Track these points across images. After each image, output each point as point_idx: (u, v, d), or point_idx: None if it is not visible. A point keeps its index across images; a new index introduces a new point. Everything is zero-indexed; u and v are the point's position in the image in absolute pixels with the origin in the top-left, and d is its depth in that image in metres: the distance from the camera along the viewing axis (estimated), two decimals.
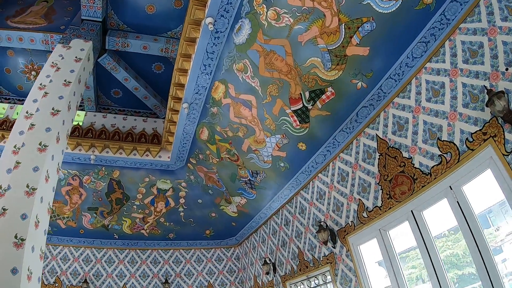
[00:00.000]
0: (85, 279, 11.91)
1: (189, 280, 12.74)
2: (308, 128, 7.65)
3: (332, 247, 7.43)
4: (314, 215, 8.30)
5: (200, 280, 12.81)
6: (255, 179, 9.71)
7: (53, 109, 7.36)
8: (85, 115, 12.41)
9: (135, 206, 12.18)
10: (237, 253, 13.57)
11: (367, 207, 6.59)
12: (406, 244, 6.52)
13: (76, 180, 11.76)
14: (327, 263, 7.64)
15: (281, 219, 9.94)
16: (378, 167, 6.44)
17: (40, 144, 6.63)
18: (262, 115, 8.20)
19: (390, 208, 6.03)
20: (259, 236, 11.57)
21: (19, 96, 12.25)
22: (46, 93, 7.68)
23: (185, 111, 9.05)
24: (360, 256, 6.85)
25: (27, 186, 5.97)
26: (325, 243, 7.44)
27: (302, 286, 8.87)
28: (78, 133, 11.48)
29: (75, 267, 12.26)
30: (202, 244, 13.33)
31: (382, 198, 6.24)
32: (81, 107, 13.12)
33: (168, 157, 11.21)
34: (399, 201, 5.86)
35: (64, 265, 12.22)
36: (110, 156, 11.16)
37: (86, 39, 9.44)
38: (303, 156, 8.21)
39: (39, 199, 6.07)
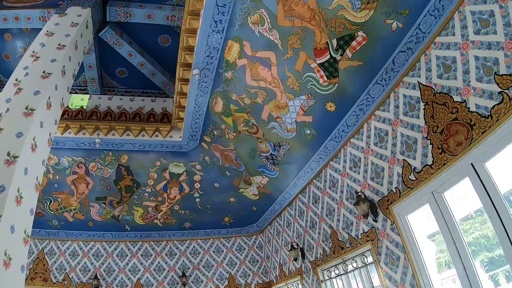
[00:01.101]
0: (95, 275, 11.18)
1: (209, 272, 11.87)
2: (337, 84, 6.67)
3: (374, 220, 6.42)
4: (348, 187, 7.30)
5: (221, 271, 11.92)
6: (278, 153, 8.76)
7: (43, 72, 6.63)
8: (89, 98, 11.64)
9: (146, 194, 11.37)
10: (259, 241, 12.63)
11: (415, 168, 5.58)
12: (466, 210, 5.53)
13: (81, 168, 11.01)
14: (368, 241, 6.63)
15: (309, 197, 8.97)
16: (424, 119, 5.44)
17: (26, 108, 5.80)
18: (283, 74, 7.25)
19: (444, 164, 5.01)
20: (284, 220, 10.61)
21: None
22: (37, 57, 6.92)
23: (196, 78, 8.14)
24: (409, 227, 5.83)
25: (8, 154, 5.12)
26: (365, 216, 6.43)
27: (337, 271, 7.88)
28: (81, 117, 10.68)
29: (85, 263, 11.61)
30: (221, 233, 12.45)
31: (433, 154, 5.23)
32: (84, 90, 12.43)
33: (180, 137, 10.33)
34: (454, 155, 4.84)
35: (73, 261, 11.58)
36: (117, 138, 10.37)
37: (84, 6, 8.68)
38: (332, 119, 7.23)
39: (21, 170, 5.21)
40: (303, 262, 9.21)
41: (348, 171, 7.32)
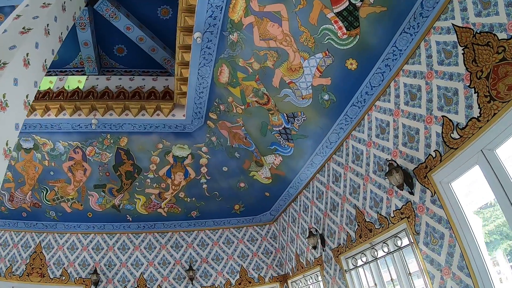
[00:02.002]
0: (95, 270, 10.46)
1: (218, 265, 11.01)
2: (358, 36, 5.76)
3: (409, 193, 5.46)
4: (376, 158, 6.36)
5: (231, 264, 11.06)
6: (292, 125, 7.86)
7: (23, 28, 5.87)
8: (86, 79, 10.84)
9: (148, 180, 10.57)
10: (273, 230, 11.73)
11: (458, 124, 4.64)
12: None
13: (78, 153, 10.29)
14: (402, 219, 5.67)
15: (328, 175, 8.05)
16: (464, 65, 4.51)
17: None
18: (295, 29, 6.35)
19: (495, 114, 4.07)
20: (300, 204, 9.70)
21: None
22: (18, 15, 6.17)
23: (198, 42, 7.27)
24: (454, 197, 4.85)
25: None
26: (400, 187, 5.47)
27: (364, 258, 6.93)
28: (77, 97, 9.92)
29: (84, 256, 10.88)
30: (231, 223, 11.58)
31: (479, 105, 4.29)
32: (81, 71, 11.71)
33: (183, 115, 9.48)
34: (506, 101, 3.92)
35: (72, 255, 10.86)
36: (115, 118, 9.58)
37: None
38: (353, 80, 6.30)
39: None
40: (323, 251, 8.29)
41: (374, 140, 6.39)
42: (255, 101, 8.03)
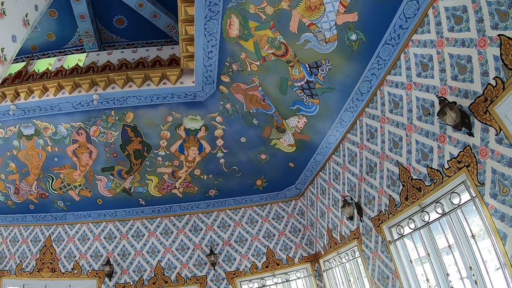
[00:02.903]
0: (108, 261, 9.88)
1: (242, 247, 10.27)
2: None
3: (468, 134, 4.50)
4: (419, 100, 5.40)
5: (257, 246, 10.28)
6: (315, 77, 6.96)
7: None
8: (86, 56, 10.20)
9: (160, 158, 9.88)
10: (300, 206, 10.88)
11: None
12: None
13: (82, 134, 9.69)
14: (460, 168, 4.71)
15: (361, 133, 7.13)
16: None
17: None
18: None
19: None
20: (329, 172, 8.80)
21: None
22: None
23: None
24: None
25: None
26: (458, 127, 4.49)
27: (412, 224, 5.98)
28: (76, 74, 9.23)
29: (96, 247, 10.36)
30: (254, 200, 10.77)
31: None
32: (81, 50, 11.02)
33: (193, 82, 8.67)
34: None
35: (83, 246, 10.36)
36: (118, 92, 8.89)
37: None
38: (384, 12, 5.37)
39: None
40: (361, 221, 7.41)
41: (415, 80, 5.44)
42: (272, 53, 7.14)
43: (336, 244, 8.74)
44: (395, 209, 6.21)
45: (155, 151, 9.75)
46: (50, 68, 9.71)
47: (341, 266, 8.96)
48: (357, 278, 8.20)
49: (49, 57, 10.93)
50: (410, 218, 5.97)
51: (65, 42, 11.11)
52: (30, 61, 10.28)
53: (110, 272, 9.76)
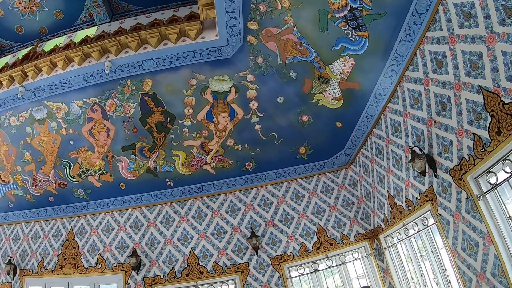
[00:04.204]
0: (134, 251, 9.14)
1: (288, 227, 9.21)
2: None
3: None
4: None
5: (305, 224, 9.17)
6: (361, 2, 5.79)
7: None
8: (97, 28, 9.46)
9: (186, 129, 9.03)
10: (351, 176, 9.66)
11: None
12: None
13: (96, 110, 9.00)
14: None
15: (423, 65, 5.89)
16: None
17: None
18: None
19: None
20: (386, 126, 7.53)
21: (21, 41, 10.14)
22: None
23: None
24: None
25: None
26: None
27: (510, 166, 4.72)
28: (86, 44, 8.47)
29: (122, 237, 9.70)
30: (298, 172, 9.65)
31: None
32: (92, 24, 10.28)
33: (216, 35, 7.68)
34: None
35: (107, 237, 9.76)
36: (132, 56, 8.07)
37: None
38: None
39: None
40: (435, 177, 6.15)
41: None
42: None
43: (401, 213, 7.52)
44: (482, 150, 4.96)
45: (180, 122, 8.91)
46: (58, 45, 9.08)
47: (408, 240, 7.74)
48: (432, 251, 6.95)
49: (58, 36, 10.26)
50: (505, 159, 4.71)
51: (74, 19, 10.43)
52: (40, 44, 9.66)
53: (136, 264, 9.02)
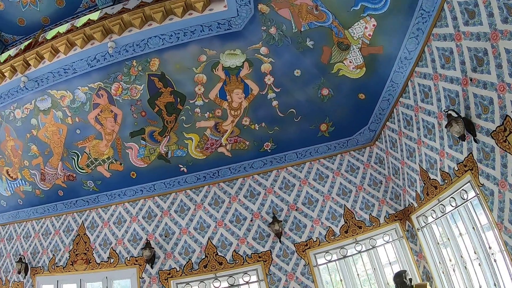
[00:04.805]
0: (147, 243, 8.90)
1: (313, 210, 8.76)
2: None
3: None
4: None
5: (331, 207, 8.73)
6: None
7: None
8: (100, 12, 9.12)
9: (198, 109, 8.66)
10: (377, 153, 9.16)
11: None
12: None
13: (102, 96, 8.76)
14: None
15: (453, 19, 5.40)
16: None
17: None
18: None
19: None
20: (414, 93, 7.00)
21: (24, 34, 9.84)
22: None
23: None
24: None
25: None
26: None
27: None
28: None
29: (134, 229, 9.48)
30: (320, 151, 9.17)
31: None
32: (94, 8, 10.00)
33: (224, 6, 7.26)
34: None
35: (119, 230, 9.58)
36: (136, 34, 7.72)
37: None
38: None
39: None
40: (475, 142, 5.65)
41: None
42: None
43: (436, 189, 7.03)
44: None
45: (191, 102, 8.53)
46: (61, 32, 8.88)
47: (444, 218, 7.23)
48: (473, 228, 6.44)
49: (61, 24, 10.04)
50: None
51: (76, 6, 10.13)
52: (42, 34, 9.45)
53: (150, 257, 8.73)
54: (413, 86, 7.03)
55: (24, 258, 9.85)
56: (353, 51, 7.18)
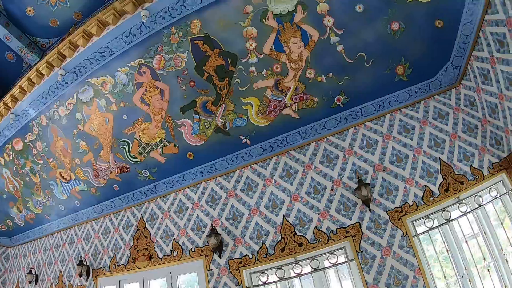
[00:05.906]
0: (212, 229, 8.37)
1: (403, 169, 7.69)
2: None
3: None
4: None
5: (423, 162, 7.62)
6: None
7: None
8: None
9: (253, 68, 7.89)
10: (465, 94, 7.94)
11: None
12: None
13: (145, 72, 8.37)
14: None
15: None
16: None
17: None
18: None
19: None
20: (503, 2, 5.90)
21: (58, 35, 9.69)
22: None
23: None
24: None
25: None
26: None
27: None
28: None
29: (197, 216, 9.06)
30: (400, 99, 8.10)
31: None
32: None
33: None
34: None
35: (181, 219, 9.26)
36: None
37: None
38: None
39: None
40: None
41: None
42: None
43: None
44: None
45: (243, 61, 7.80)
46: None
47: None
48: None
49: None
50: None
51: None
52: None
53: (217, 244, 8.12)
54: None
55: (85, 260, 9.92)
56: None
